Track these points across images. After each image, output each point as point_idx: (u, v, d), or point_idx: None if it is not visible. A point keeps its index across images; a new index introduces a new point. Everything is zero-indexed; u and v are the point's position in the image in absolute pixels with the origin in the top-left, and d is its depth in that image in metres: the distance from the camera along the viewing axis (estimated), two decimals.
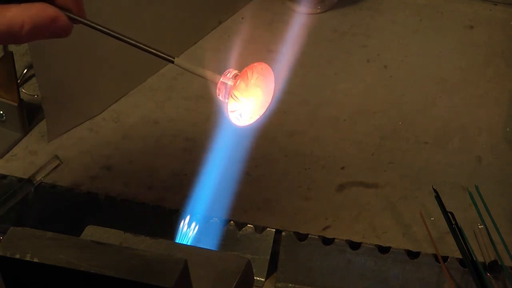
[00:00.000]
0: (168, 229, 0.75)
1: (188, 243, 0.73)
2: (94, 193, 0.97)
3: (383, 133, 1.06)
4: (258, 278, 0.90)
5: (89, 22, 0.69)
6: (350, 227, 0.94)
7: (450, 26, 1.21)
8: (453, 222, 0.89)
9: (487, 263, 0.89)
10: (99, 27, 0.69)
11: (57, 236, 0.59)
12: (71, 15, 0.68)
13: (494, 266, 0.88)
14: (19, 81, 1.09)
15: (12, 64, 1.02)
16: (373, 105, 1.10)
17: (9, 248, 0.58)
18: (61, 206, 0.97)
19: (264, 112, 0.70)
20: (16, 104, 1.04)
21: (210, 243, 0.78)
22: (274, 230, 0.92)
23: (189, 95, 1.11)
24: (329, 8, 1.24)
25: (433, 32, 1.21)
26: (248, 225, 0.92)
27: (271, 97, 0.70)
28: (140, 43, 0.69)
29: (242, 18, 1.22)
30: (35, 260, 0.57)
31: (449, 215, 0.89)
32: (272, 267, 0.91)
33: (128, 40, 0.69)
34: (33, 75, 1.12)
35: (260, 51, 1.15)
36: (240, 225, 0.92)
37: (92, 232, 0.68)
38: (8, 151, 1.04)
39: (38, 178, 0.98)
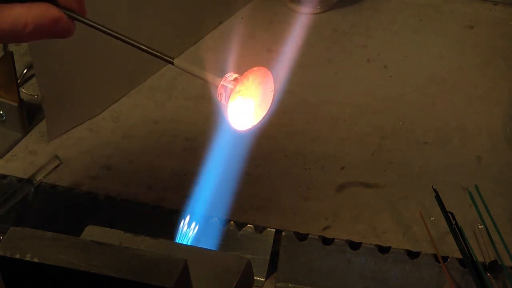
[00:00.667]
0: (168, 229, 0.75)
1: (188, 243, 0.73)
2: (94, 193, 0.97)
3: (383, 133, 1.06)
4: (258, 278, 0.90)
5: (90, 22, 0.69)
6: (350, 227, 0.94)
7: (450, 26, 1.21)
8: (453, 222, 0.89)
9: (487, 263, 0.89)
10: (100, 27, 0.69)
11: (57, 236, 0.59)
12: (73, 14, 0.68)
13: (494, 266, 0.88)
14: (19, 81, 1.09)
15: (12, 64, 1.02)
16: (373, 105, 1.10)
17: (9, 248, 0.58)
18: (61, 206, 0.97)
19: (264, 117, 0.70)
20: (16, 104, 1.04)
21: (210, 243, 0.78)
22: (274, 230, 0.92)
23: (189, 95, 1.11)
24: (329, 8, 1.24)
25: (433, 32, 1.21)
26: (248, 225, 0.92)
27: (271, 102, 0.70)
28: (141, 44, 0.69)
29: (242, 18, 1.22)
30: (35, 260, 0.57)
31: (449, 215, 0.89)
32: (272, 267, 0.91)
33: (128, 40, 0.69)
34: (33, 75, 1.12)
35: (260, 51, 1.15)
36: (240, 225, 0.92)
37: (92, 232, 0.68)
38: (8, 151, 1.04)
39: (38, 178, 0.98)
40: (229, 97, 0.67)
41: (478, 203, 0.92)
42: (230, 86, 0.67)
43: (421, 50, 1.18)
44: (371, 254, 0.90)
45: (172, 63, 0.68)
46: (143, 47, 0.69)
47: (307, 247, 0.91)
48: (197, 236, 0.74)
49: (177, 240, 0.73)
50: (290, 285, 0.91)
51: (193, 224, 0.74)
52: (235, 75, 0.68)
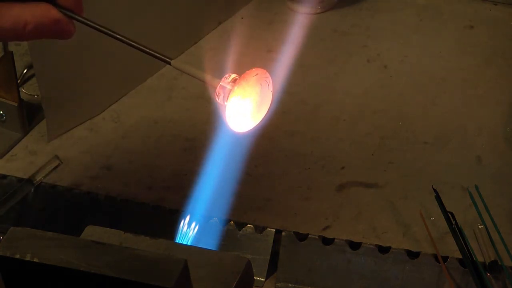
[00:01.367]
0: (168, 229, 0.76)
1: (188, 243, 0.73)
2: (94, 193, 0.97)
3: (383, 133, 1.06)
4: (258, 278, 0.90)
5: (89, 22, 0.69)
6: (350, 227, 0.94)
7: (450, 26, 1.21)
8: (453, 222, 0.89)
9: (487, 263, 0.89)
10: (98, 27, 0.69)
11: (57, 236, 0.59)
12: (72, 15, 0.68)
13: (494, 266, 0.88)
14: (19, 81, 1.09)
15: (12, 64, 1.02)
16: (373, 105, 1.10)
17: (9, 248, 0.58)
18: (61, 206, 0.97)
19: (263, 119, 0.70)
20: (16, 104, 1.04)
21: (210, 243, 0.78)
22: (274, 230, 0.92)
23: (189, 95, 1.11)
24: (329, 8, 1.24)
25: (433, 32, 1.21)
26: (248, 225, 0.92)
27: (269, 104, 0.70)
28: (139, 44, 0.69)
29: (242, 18, 1.22)
30: (35, 260, 0.57)
31: (449, 215, 0.89)
32: (272, 267, 0.91)
33: (126, 40, 0.69)
34: (33, 75, 1.12)
35: (260, 51, 1.15)
36: (240, 225, 0.92)
37: (92, 232, 0.68)
38: (8, 151, 1.04)
39: (38, 178, 0.98)
40: (227, 98, 0.67)
41: (478, 203, 0.92)
42: (228, 87, 0.67)
43: (421, 50, 1.18)
44: (371, 254, 0.90)
45: (169, 64, 0.69)
46: (141, 47, 0.69)
47: (307, 247, 0.91)
48: (197, 236, 0.74)
49: (177, 240, 0.73)
50: (290, 285, 0.91)
51: (193, 224, 0.74)
52: (234, 76, 0.68)
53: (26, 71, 1.13)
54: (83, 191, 0.97)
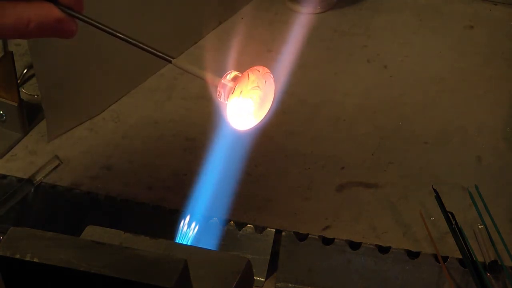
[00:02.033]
0: (168, 229, 0.75)
1: (188, 243, 0.73)
2: (94, 193, 0.97)
3: (383, 133, 1.06)
4: (258, 278, 0.90)
5: (91, 21, 0.69)
6: (350, 227, 0.94)
7: (450, 26, 1.21)
8: (453, 222, 0.89)
9: (487, 263, 0.89)
10: (99, 25, 0.69)
11: (57, 236, 0.59)
12: (74, 13, 0.69)
13: (494, 266, 0.88)
14: (19, 81, 1.09)
15: (12, 64, 1.02)
16: (373, 105, 1.10)
17: (9, 248, 0.58)
18: (61, 206, 0.97)
19: (264, 117, 0.70)
20: (16, 104, 1.04)
21: (210, 243, 0.78)
22: (274, 230, 0.92)
23: (189, 95, 1.11)
24: (329, 8, 1.24)
25: (433, 32, 1.21)
26: (248, 225, 0.92)
27: (271, 102, 0.69)
28: (140, 42, 0.69)
29: (242, 18, 1.22)
30: (35, 260, 0.57)
31: (449, 215, 0.89)
32: (272, 267, 0.91)
33: (127, 39, 0.69)
34: (33, 75, 1.12)
35: (260, 51, 1.15)
36: (240, 225, 0.92)
37: (92, 232, 0.68)
38: (8, 151, 1.04)
39: (38, 178, 0.98)
40: (229, 95, 0.67)
41: (478, 203, 0.92)
42: (229, 84, 0.67)
43: (421, 50, 1.18)
44: (371, 254, 0.90)
45: (170, 62, 0.68)
46: (143, 46, 0.69)
47: (307, 247, 0.91)
48: (197, 236, 0.74)
49: (177, 240, 0.73)
50: (290, 285, 0.91)
51: (193, 224, 0.74)
52: (235, 73, 0.68)
53: (26, 71, 1.13)
54: (83, 191, 0.97)
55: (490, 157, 1.03)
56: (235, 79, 0.67)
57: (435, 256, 0.89)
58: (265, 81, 0.69)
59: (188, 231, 0.74)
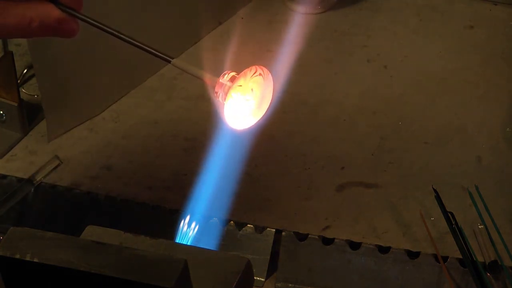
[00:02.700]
0: (168, 229, 0.75)
1: (188, 243, 0.73)
2: (94, 193, 0.97)
3: (383, 133, 1.06)
4: (258, 278, 0.90)
5: (91, 20, 0.69)
6: (350, 227, 0.94)
7: (450, 26, 1.22)
8: (453, 222, 0.89)
9: (487, 263, 0.89)
10: (100, 25, 0.69)
11: (57, 236, 0.59)
12: (75, 13, 0.69)
13: (494, 266, 0.88)
14: (19, 81, 1.09)
15: (12, 64, 1.02)
16: (373, 105, 1.10)
17: (9, 248, 0.58)
18: (61, 206, 0.97)
19: (262, 116, 0.70)
20: (16, 104, 1.04)
21: (210, 243, 0.78)
22: (274, 230, 0.92)
23: (189, 95, 1.11)
24: (329, 8, 1.24)
25: (433, 32, 1.21)
26: (248, 225, 0.92)
27: (269, 101, 0.70)
28: (139, 42, 0.69)
29: (242, 18, 1.22)
30: (35, 260, 0.57)
31: (449, 215, 0.89)
32: (272, 267, 0.91)
33: (127, 38, 0.69)
34: (33, 75, 1.12)
35: (260, 51, 1.15)
36: (240, 225, 0.92)
37: (92, 232, 0.68)
38: (8, 151, 1.04)
39: (38, 178, 0.98)
40: (226, 95, 0.67)
41: (478, 203, 0.92)
42: (227, 84, 0.67)
43: (421, 50, 1.18)
44: (371, 254, 0.90)
45: (170, 62, 0.69)
46: (142, 46, 0.69)
47: (307, 247, 0.91)
48: (197, 236, 0.74)
49: (177, 240, 0.73)
50: (290, 285, 0.91)
51: (193, 224, 0.74)
52: (233, 73, 0.68)
53: (26, 71, 1.13)
54: (83, 191, 0.97)
55: (490, 157, 1.03)
56: (232, 79, 0.67)
57: (435, 256, 0.89)
58: (263, 81, 0.69)
59: (188, 231, 0.74)
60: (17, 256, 0.58)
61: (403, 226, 0.95)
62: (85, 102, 1.08)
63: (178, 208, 0.93)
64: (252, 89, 0.68)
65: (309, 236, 0.91)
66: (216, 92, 0.67)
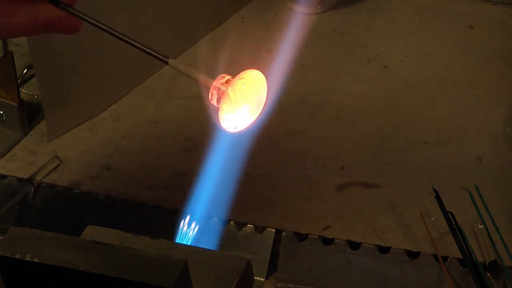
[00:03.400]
0: (168, 229, 0.76)
1: (188, 243, 0.73)
2: (94, 193, 0.97)
3: (383, 133, 1.06)
4: (258, 278, 0.90)
5: (89, 19, 0.70)
6: (350, 227, 0.94)
7: (450, 26, 1.21)
8: (453, 222, 0.89)
9: (487, 263, 0.89)
10: (98, 24, 0.70)
11: (57, 236, 0.59)
12: (75, 11, 0.70)
13: (494, 266, 0.88)
14: (19, 81, 1.09)
15: (12, 64, 1.02)
16: (373, 105, 1.10)
17: (9, 248, 0.58)
18: (61, 206, 0.97)
19: (258, 120, 0.70)
20: (16, 104, 1.04)
21: (210, 243, 0.78)
22: (274, 230, 0.92)
23: (189, 95, 1.11)
24: (329, 8, 1.24)
25: (433, 32, 1.21)
26: (248, 225, 0.92)
27: (263, 104, 0.70)
28: (137, 42, 0.69)
29: (242, 18, 1.22)
30: (35, 260, 0.57)
31: (449, 215, 0.89)
32: (272, 267, 0.91)
33: (125, 38, 0.69)
34: (33, 75, 1.12)
35: (260, 51, 1.15)
36: (240, 225, 0.92)
37: (92, 232, 0.68)
38: (8, 151, 1.04)
39: (38, 178, 0.98)
40: (220, 98, 0.67)
41: (478, 203, 0.92)
42: (222, 87, 0.67)
43: (421, 50, 1.18)
44: (371, 254, 0.90)
45: (166, 63, 0.69)
46: (140, 46, 0.69)
47: (307, 247, 0.91)
48: (197, 236, 0.74)
49: (177, 240, 0.73)
50: (290, 285, 0.91)
51: (193, 224, 0.74)
52: (228, 77, 0.68)
53: (26, 71, 1.13)
54: (83, 191, 0.97)
55: (490, 157, 1.03)
56: (227, 82, 0.67)
57: (435, 256, 0.89)
58: (257, 84, 0.69)
59: (188, 231, 0.74)
60: (17, 256, 0.58)
61: (403, 226, 0.95)
62: (85, 102, 1.08)
63: (178, 208, 0.93)
64: (245, 94, 0.68)
65: (309, 236, 0.91)
66: (211, 95, 0.68)
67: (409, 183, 0.99)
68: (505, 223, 0.93)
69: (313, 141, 1.05)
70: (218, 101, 0.67)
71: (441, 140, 1.05)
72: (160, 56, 0.69)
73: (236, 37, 1.17)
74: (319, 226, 0.94)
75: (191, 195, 0.76)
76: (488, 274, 0.88)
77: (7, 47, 1.07)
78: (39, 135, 1.06)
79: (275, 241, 0.91)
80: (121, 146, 1.05)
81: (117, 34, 0.69)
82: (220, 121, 0.68)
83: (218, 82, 0.67)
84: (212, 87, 0.67)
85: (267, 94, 0.70)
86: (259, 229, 0.92)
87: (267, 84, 0.70)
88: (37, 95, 1.09)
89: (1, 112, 1.05)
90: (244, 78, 0.68)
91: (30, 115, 1.07)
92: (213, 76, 0.69)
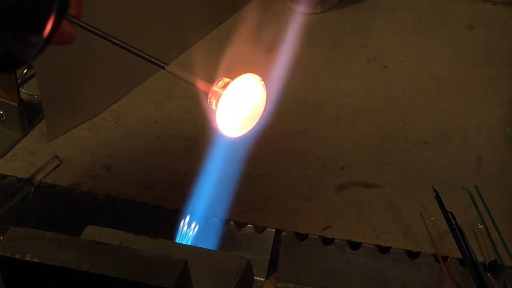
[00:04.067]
0: (168, 229, 0.75)
1: (188, 243, 0.73)
2: (94, 193, 0.97)
3: (383, 133, 1.06)
4: (258, 278, 0.90)
5: (87, 26, 0.69)
6: (350, 227, 0.94)
7: (450, 26, 1.21)
8: (453, 222, 0.89)
9: (487, 263, 0.89)
10: (96, 31, 0.69)
11: (57, 236, 0.59)
12: (72, 19, 0.69)
13: (494, 266, 0.88)
14: (19, 81, 1.09)
15: None
16: (373, 105, 1.10)
17: (9, 248, 0.58)
18: (61, 206, 0.97)
19: (256, 125, 0.69)
20: (16, 104, 1.04)
21: (210, 243, 0.78)
22: (274, 230, 0.92)
23: (189, 95, 1.11)
24: (329, 8, 1.24)
25: (433, 32, 1.21)
26: (248, 225, 0.92)
27: (263, 109, 0.69)
28: (134, 48, 0.69)
29: (242, 18, 1.22)
30: (35, 260, 0.58)
31: (449, 215, 0.89)
32: (272, 267, 0.91)
33: (122, 45, 0.69)
34: (33, 75, 1.12)
35: (260, 51, 1.15)
36: (240, 225, 0.92)
37: (92, 232, 0.68)
38: (8, 151, 1.04)
39: (38, 178, 0.98)
40: (219, 103, 0.67)
41: (478, 203, 0.92)
42: (220, 91, 0.67)
43: (421, 50, 1.18)
44: (371, 254, 0.90)
45: (164, 68, 0.69)
46: (137, 52, 0.69)
47: (307, 247, 0.91)
48: (197, 236, 0.74)
49: (177, 240, 0.73)
50: (290, 285, 0.91)
51: (193, 224, 0.74)
52: (227, 80, 0.68)
53: (26, 71, 1.13)
54: (83, 191, 0.97)
55: (490, 157, 1.03)
56: (226, 86, 0.67)
57: (435, 256, 0.89)
58: (256, 89, 0.68)
59: (188, 231, 0.74)
60: (17, 256, 0.58)
61: (403, 226, 0.95)
62: (85, 102, 1.08)
63: (178, 208, 0.93)
64: (243, 98, 0.68)
65: (309, 236, 0.91)
66: (209, 99, 0.67)
67: (409, 183, 0.99)
68: (505, 223, 0.93)
69: (313, 141, 1.05)
70: (216, 105, 0.67)
71: (441, 140, 1.05)
72: (158, 62, 0.69)
73: (236, 37, 1.17)
74: (319, 226, 0.94)
75: (191, 195, 0.76)
76: (488, 274, 0.88)
77: None
78: (39, 135, 1.06)
79: (275, 241, 0.91)
80: (121, 146, 1.05)
81: (117, 42, 0.69)
82: (217, 123, 0.68)
83: (217, 86, 0.67)
84: (210, 91, 0.67)
85: (267, 95, 0.70)
86: (259, 229, 0.92)
87: (267, 85, 0.70)
88: (37, 95, 1.09)
89: (1, 112, 1.05)
90: (248, 78, 0.67)
91: (30, 115, 1.07)
92: (212, 76, 0.69)
